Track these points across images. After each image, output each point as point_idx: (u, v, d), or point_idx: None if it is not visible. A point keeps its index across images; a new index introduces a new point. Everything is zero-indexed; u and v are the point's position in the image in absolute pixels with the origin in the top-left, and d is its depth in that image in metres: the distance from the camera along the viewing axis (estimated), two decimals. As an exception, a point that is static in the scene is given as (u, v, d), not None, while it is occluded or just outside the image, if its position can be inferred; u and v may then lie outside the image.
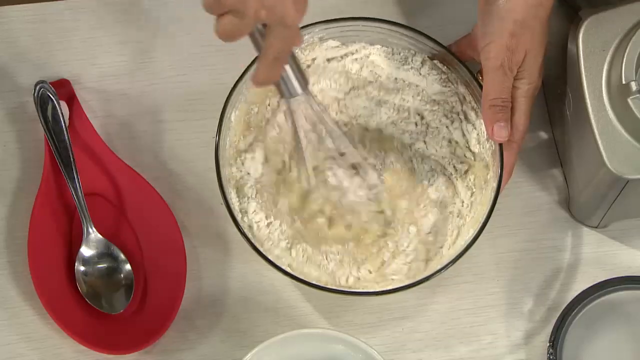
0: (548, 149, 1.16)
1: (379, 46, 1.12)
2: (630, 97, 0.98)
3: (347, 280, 1.07)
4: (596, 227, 1.13)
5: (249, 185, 1.09)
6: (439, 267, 1.03)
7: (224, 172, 1.06)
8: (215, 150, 1.05)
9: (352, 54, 1.12)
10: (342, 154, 1.06)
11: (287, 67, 0.95)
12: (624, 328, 1.07)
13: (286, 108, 1.01)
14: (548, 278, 1.12)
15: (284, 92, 0.97)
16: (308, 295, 1.11)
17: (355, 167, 1.07)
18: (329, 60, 1.12)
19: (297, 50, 1.10)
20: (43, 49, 1.18)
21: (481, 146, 1.09)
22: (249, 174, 1.09)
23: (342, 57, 1.12)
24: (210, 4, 0.88)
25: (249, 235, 1.04)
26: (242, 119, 1.10)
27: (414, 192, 1.10)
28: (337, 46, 1.12)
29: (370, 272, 1.07)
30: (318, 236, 1.08)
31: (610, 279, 1.07)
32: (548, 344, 1.05)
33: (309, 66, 1.12)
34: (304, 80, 0.97)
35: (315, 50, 1.12)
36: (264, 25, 0.90)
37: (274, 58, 0.92)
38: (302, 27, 1.08)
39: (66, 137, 1.11)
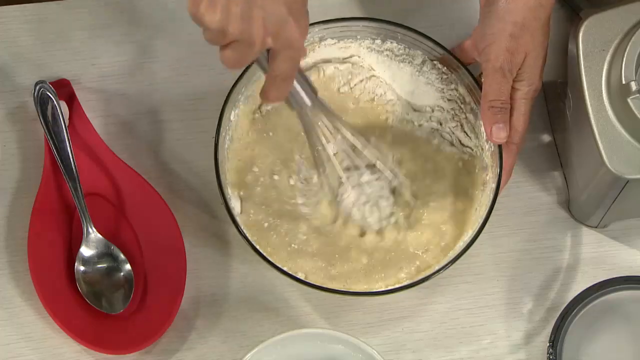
0: (548, 149, 1.16)
1: (378, 44, 1.12)
2: (630, 97, 0.98)
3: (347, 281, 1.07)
4: (596, 227, 1.13)
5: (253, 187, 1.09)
6: (438, 267, 1.03)
7: (224, 172, 1.07)
8: (215, 150, 1.05)
9: (352, 57, 1.13)
10: (359, 157, 1.06)
11: (295, 82, 0.95)
12: (624, 328, 1.07)
13: (298, 119, 1.01)
14: (548, 278, 1.12)
15: (294, 104, 0.97)
16: (308, 295, 1.11)
17: (374, 170, 1.07)
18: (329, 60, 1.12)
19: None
20: (43, 49, 1.18)
21: (480, 147, 1.09)
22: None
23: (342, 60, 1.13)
24: (213, 38, 0.88)
25: (249, 236, 1.04)
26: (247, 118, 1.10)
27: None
28: (334, 44, 1.12)
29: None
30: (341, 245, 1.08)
31: (610, 279, 1.07)
32: (548, 344, 1.05)
33: (312, 66, 1.12)
34: (312, 91, 0.98)
35: (316, 51, 1.12)
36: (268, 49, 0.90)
37: (282, 79, 0.92)
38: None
39: (66, 137, 1.11)
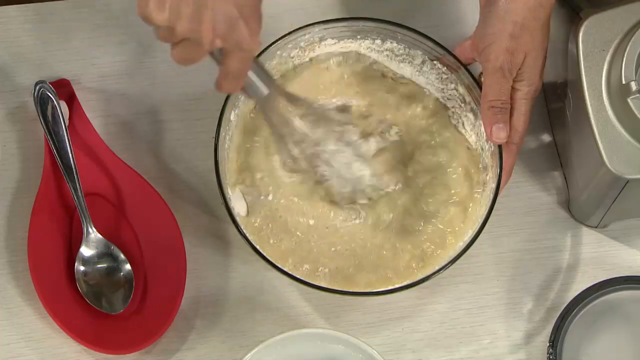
0: (548, 149, 1.16)
1: (378, 44, 1.12)
2: (630, 97, 0.98)
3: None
4: (596, 227, 1.13)
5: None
6: (438, 267, 1.03)
7: (224, 172, 1.07)
8: (215, 150, 1.05)
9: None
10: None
11: (250, 72, 0.96)
12: (624, 328, 1.07)
13: (257, 107, 1.01)
14: (548, 278, 1.12)
15: (250, 93, 0.98)
16: (308, 295, 1.11)
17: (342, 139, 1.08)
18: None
19: (297, 50, 1.11)
20: (43, 49, 1.18)
21: (480, 147, 1.09)
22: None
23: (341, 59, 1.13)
24: (165, 36, 0.89)
25: (249, 236, 1.04)
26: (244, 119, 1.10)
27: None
28: (334, 44, 1.12)
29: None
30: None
31: (610, 279, 1.07)
32: (548, 344, 1.05)
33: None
34: (268, 79, 0.98)
35: (316, 51, 1.12)
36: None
37: (233, 76, 0.93)
38: (302, 28, 1.08)
39: (66, 137, 1.11)
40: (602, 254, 1.12)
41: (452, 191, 1.08)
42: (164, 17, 0.87)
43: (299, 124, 1.05)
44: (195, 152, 1.15)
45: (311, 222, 1.08)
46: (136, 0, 0.87)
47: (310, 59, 1.12)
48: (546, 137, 1.16)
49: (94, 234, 1.10)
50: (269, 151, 1.10)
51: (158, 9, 0.86)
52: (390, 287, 1.04)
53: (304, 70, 1.12)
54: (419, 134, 1.11)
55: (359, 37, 1.12)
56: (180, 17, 0.86)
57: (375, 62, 1.12)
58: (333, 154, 1.07)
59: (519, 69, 1.04)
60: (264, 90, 0.98)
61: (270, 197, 1.09)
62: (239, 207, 1.08)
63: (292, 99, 1.04)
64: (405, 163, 1.09)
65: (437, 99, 1.11)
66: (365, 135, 1.09)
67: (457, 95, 1.11)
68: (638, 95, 0.98)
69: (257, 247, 1.04)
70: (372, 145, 1.09)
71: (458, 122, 1.11)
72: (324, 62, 1.12)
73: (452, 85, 1.11)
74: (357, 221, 1.08)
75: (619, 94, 0.99)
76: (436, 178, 1.09)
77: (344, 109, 1.10)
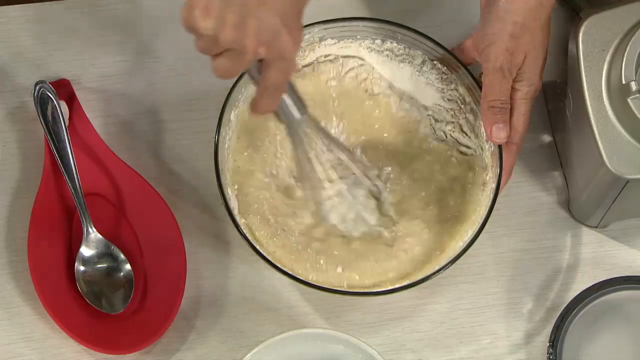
0: (548, 149, 1.16)
1: (378, 44, 1.12)
2: (630, 97, 0.98)
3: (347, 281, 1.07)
4: (596, 227, 1.13)
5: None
6: (438, 267, 1.03)
7: (224, 172, 1.07)
8: (215, 150, 1.05)
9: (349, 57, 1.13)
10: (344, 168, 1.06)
11: (285, 95, 0.95)
12: (624, 328, 1.07)
13: (286, 132, 1.01)
14: (548, 278, 1.12)
15: (282, 117, 0.98)
16: (308, 295, 1.11)
17: (358, 183, 1.07)
18: (326, 56, 1.12)
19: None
20: (43, 49, 1.18)
21: (480, 147, 1.09)
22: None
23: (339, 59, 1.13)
24: (206, 46, 0.88)
25: (248, 236, 1.04)
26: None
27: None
28: (334, 44, 1.12)
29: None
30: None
31: (610, 279, 1.07)
32: (548, 344, 1.05)
33: (306, 66, 1.12)
34: (301, 105, 0.97)
35: (316, 51, 1.12)
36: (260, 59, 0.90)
37: (273, 90, 0.92)
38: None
39: (66, 137, 1.11)
40: (602, 254, 1.12)
41: (451, 202, 1.09)
42: (209, 25, 0.86)
43: (327, 153, 1.05)
44: (195, 152, 1.15)
45: (311, 222, 1.08)
46: (181, 11, 0.87)
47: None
48: (546, 137, 1.16)
49: (94, 234, 1.10)
50: (270, 151, 1.11)
51: (204, 16, 0.86)
52: (390, 287, 1.04)
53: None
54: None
55: (359, 37, 1.12)
56: (225, 25, 0.86)
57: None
58: (348, 190, 1.07)
59: (519, 69, 1.04)
60: (297, 114, 0.97)
61: (270, 197, 1.09)
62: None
63: (322, 131, 1.03)
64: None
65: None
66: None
67: (457, 95, 1.11)
68: (638, 95, 0.98)
69: (257, 247, 1.04)
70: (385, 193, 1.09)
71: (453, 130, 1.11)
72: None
73: (452, 86, 1.11)
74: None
75: (619, 94, 0.99)
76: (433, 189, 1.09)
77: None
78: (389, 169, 1.10)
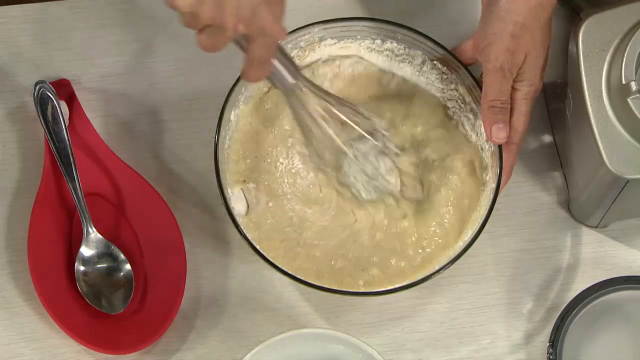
0: (548, 149, 1.16)
1: (378, 44, 1.12)
2: (630, 97, 0.98)
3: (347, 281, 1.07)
4: (596, 227, 1.13)
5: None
6: (438, 267, 1.03)
7: (224, 172, 1.07)
8: (215, 150, 1.05)
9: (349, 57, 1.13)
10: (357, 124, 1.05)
11: (275, 61, 0.96)
12: (624, 328, 1.07)
13: (284, 98, 1.01)
14: (548, 278, 1.12)
15: (276, 83, 0.98)
16: (308, 295, 1.11)
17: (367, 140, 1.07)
18: (325, 61, 1.12)
19: (297, 51, 1.11)
20: (43, 49, 1.18)
21: (480, 147, 1.09)
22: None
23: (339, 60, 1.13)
24: (189, 22, 0.89)
25: (248, 236, 1.04)
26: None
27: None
28: (334, 44, 1.12)
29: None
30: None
31: (610, 279, 1.07)
32: (548, 344, 1.05)
33: (307, 66, 1.12)
34: (293, 68, 0.98)
35: (316, 51, 1.12)
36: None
37: (258, 63, 0.93)
38: (302, 28, 1.09)
39: (66, 137, 1.11)
40: (602, 254, 1.12)
41: (451, 191, 1.09)
42: (188, 2, 0.87)
43: (325, 118, 1.04)
44: (195, 152, 1.15)
45: (311, 222, 1.08)
46: (136, 0, 0.88)
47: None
48: (546, 137, 1.16)
49: (94, 234, 1.10)
50: (270, 152, 1.11)
51: None
52: (390, 287, 1.04)
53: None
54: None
55: (359, 37, 1.12)
56: (203, 2, 0.87)
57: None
58: (360, 151, 1.06)
59: (520, 69, 1.04)
60: (290, 79, 0.98)
61: (270, 197, 1.09)
62: (239, 207, 1.08)
63: (319, 90, 1.03)
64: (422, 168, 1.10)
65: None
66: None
67: (457, 95, 1.11)
68: (638, 95, 0.98)
69: (257, 247, 1.04)
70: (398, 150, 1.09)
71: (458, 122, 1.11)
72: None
73: (453, 86, 1.11)
74: (358, 224, 1.08)
75: (619, 94, 0.99)
76: (442, 176, 1.09)
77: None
78: (389, 114, 1.10)
